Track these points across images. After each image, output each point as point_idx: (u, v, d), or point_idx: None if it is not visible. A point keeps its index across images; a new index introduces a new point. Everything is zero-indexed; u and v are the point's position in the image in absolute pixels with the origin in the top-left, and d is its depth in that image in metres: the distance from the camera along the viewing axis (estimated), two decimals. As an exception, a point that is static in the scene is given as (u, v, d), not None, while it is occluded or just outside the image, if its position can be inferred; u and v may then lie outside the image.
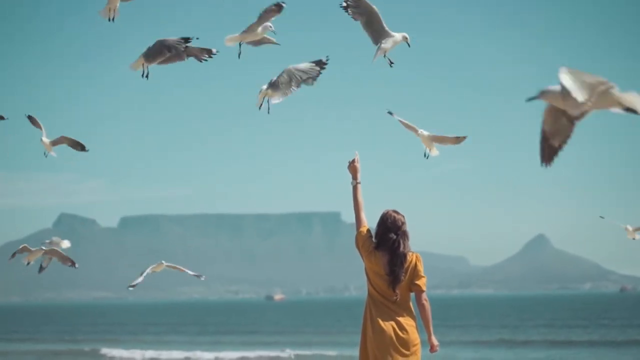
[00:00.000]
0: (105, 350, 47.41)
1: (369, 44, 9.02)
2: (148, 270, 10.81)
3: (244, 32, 8.89)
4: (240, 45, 8.94)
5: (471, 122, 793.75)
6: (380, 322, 8.38)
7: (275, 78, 8.79)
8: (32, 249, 11.11)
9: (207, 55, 9.04)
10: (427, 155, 9.46)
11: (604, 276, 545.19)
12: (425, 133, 9.35)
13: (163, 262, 10.74)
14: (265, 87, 8.81)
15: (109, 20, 9.12)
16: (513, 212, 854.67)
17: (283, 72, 8.80)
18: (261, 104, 8.82)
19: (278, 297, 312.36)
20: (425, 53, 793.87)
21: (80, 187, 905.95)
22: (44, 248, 10.96)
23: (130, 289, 10.98)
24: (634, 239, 11.61)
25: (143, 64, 8.97)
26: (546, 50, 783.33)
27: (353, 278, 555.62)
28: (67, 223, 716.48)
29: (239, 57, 8.96)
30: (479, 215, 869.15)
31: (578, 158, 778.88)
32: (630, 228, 11.51)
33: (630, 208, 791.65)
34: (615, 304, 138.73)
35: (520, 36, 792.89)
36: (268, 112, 8.82)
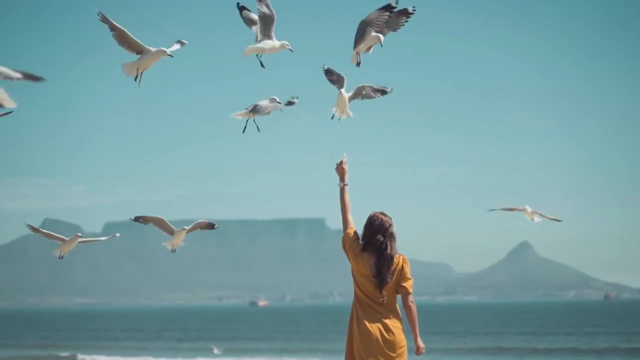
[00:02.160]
0: (83, 357, 46.97)
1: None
2: (175, 242, 10.23)
3: (261, 45, 9.04)
4: (258, 56, 9.11)
5: (458, 127, 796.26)
6: (367, 323, 8.37)
7: (255, 104, 9.17)
8: (66, 238, 10.32)
9: None
10: (333, 117, 9.35)
11: (588, 284, 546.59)
12: (346, 94, 9.30)
13: (185, 227, 10.24)
14: (248, 109, 9.13)
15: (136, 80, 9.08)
16: (497, 219, 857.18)
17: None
18: (245, 127, 9.20)
19: (262, 303, 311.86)
20: (415, 53, 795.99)
21: (64, 192, 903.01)
22: (79, 235, 10.23)
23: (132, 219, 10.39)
24: (532, 219, 11.14)
25: (137, 69, 8.92)
26: (544, 52, 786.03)
27: (337, 284, 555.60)
28: (50, 228, 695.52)
29: (262, 65, 9.13)
30: (463, 222, 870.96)
31: (563, 166, 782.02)
32: (529, 209, 11.02)
33: (616, 216, 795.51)
34: (599, 311, 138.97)
35: (514, 40, 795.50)
36: (258, 130, 9.30)
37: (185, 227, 10.28)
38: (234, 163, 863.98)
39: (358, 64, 9.18)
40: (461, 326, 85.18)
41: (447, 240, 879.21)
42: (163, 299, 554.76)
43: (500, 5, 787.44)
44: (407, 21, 9.10)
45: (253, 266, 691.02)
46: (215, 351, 44.77)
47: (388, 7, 8.90)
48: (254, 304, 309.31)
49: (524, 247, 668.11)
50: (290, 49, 9.09)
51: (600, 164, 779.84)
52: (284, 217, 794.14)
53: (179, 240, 10.31)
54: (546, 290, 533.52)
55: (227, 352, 51.10)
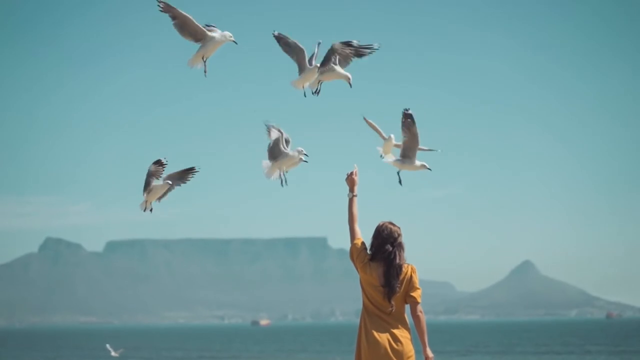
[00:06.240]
0: None
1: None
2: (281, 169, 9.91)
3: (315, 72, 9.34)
4: (319, 84, 9.52)
5: (459, 147, 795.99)
6: (375, 333, 8.40)
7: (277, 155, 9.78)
8: (155, 183, 9.74)
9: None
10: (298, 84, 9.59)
11: (590, 303, 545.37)
12: (317, 72, 9.47)
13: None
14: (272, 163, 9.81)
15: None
16: (499, 238, 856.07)
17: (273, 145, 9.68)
18: (284, 180, 10.00)
19: (264, 322, 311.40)
20: (421, 69, 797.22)
21: (66, 211, 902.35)
22: (170, 183, 9.84)
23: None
24: (383, 157, 9.99)
25: (202, 58, 8.88)
26: (549, 68, 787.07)
27: (339, 304, 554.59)
28: (52, 247, 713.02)
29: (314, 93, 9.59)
30: (465, 241, 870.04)
31: (563, 184, 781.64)
32: (393, 140, 9.86)
33: (619, 235, 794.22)
34: (601, 330, 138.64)
35: (518, 54, 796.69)
36: (283, 184, 10.21)
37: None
38: (236, 182, 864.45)
39: (317, 92, 9.54)
40: (464, 345, 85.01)
41: (449, 259, 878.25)
42: (165, 318, 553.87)
43: (503, 19, 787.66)
44: (370, 53, 9.40)
45: (254, 285, 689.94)
46: (112, 353, 44.41)
47: (349, 44, 9.26)
48: (255, 323, 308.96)
49: (526, 266, 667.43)
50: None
51: (603, 183, 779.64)
52: (286, 236, 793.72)
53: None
54: (548, 309, 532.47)
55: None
